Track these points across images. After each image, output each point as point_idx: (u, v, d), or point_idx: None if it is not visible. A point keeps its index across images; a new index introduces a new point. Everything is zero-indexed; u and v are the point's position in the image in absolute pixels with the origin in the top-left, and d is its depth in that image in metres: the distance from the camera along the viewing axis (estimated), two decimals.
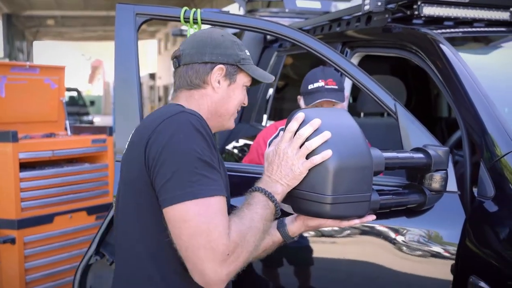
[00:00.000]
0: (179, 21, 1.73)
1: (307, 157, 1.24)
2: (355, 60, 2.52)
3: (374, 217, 1.35)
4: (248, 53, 1.46)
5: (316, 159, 1.23)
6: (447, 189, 1.57)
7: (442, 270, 1.57)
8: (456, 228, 1.58)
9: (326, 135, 1.24)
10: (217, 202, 1.15)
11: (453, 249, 1.57)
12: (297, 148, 1.26)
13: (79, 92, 15.57)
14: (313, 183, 1.25)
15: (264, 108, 3.51)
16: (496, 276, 1.43)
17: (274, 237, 1.42)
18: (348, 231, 1.65)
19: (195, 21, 1.73)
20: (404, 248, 1.60)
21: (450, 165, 1.60)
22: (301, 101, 2.25)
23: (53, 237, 3.09)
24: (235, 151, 3.50)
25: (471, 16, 2.26)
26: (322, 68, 2.21)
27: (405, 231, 1.61)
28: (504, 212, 1.55)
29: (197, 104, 1.39)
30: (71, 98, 15.26)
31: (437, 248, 1.59)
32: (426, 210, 1.59)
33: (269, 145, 2.22)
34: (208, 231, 1.11)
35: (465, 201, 1.63)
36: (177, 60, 1.42)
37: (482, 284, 1.44)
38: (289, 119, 1.31)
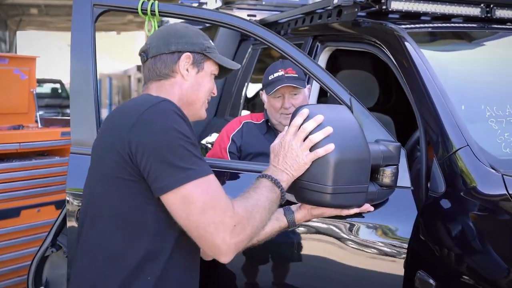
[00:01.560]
0: (137, 12, 1.77)
1: (311, 149, 1.39)
2: (325, 54, 2.57)
3: (372, 208, 1.53)
4: (212, 43, 1.53)
5: (320, 151, 1.38)
6: (400, 185, 1.62)
7: (394, 266, 1.62)
8: (408, 224, 1.63)
9: (328, 130, 1.39)
10: (214, 179, 1.26)
11: (405, 244, 1.62)
12: (301, 141, 1.41)
13: (62, 84, 15.51)
14: (315, 174, 1.40)
15: (239, 102, 3.55)
16: (442, 272, 1.48)
17: (282, 223, 1.53)
18: (301, 228, 1.70)
19: (153, 13, 1.77)
20: (357, 243, 1.65)
21: (403, 160, 1.65)
22: (263, 95, 2.30)
23: (19, 231, 3.12)
24: (209, 145, 3.54)
25: (440, 12, 2.31)
26: (281, 60, 2.27)
27: (357, 226, 1.66)
28: (453, 208, 1.60)
29: (168, 93, 1.45)
30: (54, 90, 15.19)
31: (389, 243, 1.65)
32: (379, 205, 1.64)
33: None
34: (214, 207, 1.21)
35: (419, 197, 1.69)
36: (144, 54, 1.49)
37: (428, 279, 1.50)
38: (294, 114, 1.45)
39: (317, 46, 2.57)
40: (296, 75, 2.16)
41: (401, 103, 4.00)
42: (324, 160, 1.39)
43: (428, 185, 1.69)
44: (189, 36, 1.48)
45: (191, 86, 1.47)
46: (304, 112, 1.42)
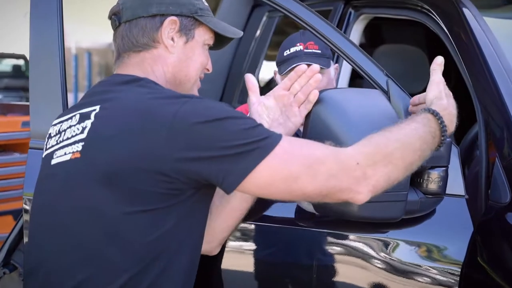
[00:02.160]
0: None
1: None
2: (360, 24, 2.60)
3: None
4: (206, 4, 1.53)
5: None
6: (450, 192, 1.63)
7: None
8: (461, 243, 1.64)
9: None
10: (288, 137, 1.37)
11: (457, 269, 1.64)
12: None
13: (26, 61, 15.69)
14: None
15: None
16: None
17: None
18: (320, 246, 1.72)
19: None
20: (393, 267, 1.67)
21: (455, 161, 1.66)
22: (277, 76, 2.32)
23: None
24: None
25: None
26: (302, 32, 2.28)
27: (394, 244, 1.68)
28: None
29: (152, 70, 1.46)
30: (16, 67, 15.35)
31: (436, 267, 1.66)
32: (423, 218, 1.66)
33: None
34: (320, 161, 1.31)
35: (477, 209, 1.70)
36: (116, 17, 1.47)
37: None
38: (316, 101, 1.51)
39: (350, 13, 2.60)
40: (319, 51, 2.17)
41: (462, 88, 4.01)
42: None
43: (489, 193, 1.70)
44: None
45: (178, 60, 1.47)
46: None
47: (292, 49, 2.21)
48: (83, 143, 1.37)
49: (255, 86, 1.61)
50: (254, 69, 3.61)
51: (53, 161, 1.43)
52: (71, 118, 1.44)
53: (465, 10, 1.99)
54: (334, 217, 1.58)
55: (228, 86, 3.85)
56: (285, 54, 2.22)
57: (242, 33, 1.60)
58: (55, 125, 1.50)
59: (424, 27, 2.25)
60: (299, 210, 1.72)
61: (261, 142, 1.30)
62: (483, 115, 1.79)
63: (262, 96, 1.63)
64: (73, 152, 1.38)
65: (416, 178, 1.57)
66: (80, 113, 1.42)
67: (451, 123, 1.51)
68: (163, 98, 1.35)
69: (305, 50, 2.18)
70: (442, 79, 1.57)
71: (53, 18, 1.79)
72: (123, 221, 1.32)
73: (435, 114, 1.45)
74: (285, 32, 3.73)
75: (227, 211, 1.62)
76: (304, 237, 1.76)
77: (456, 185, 1.67)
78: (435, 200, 1.61)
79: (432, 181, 1.57)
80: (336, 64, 2.32)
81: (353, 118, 1.45)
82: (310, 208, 1.54)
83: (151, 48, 1.45)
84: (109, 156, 1.33)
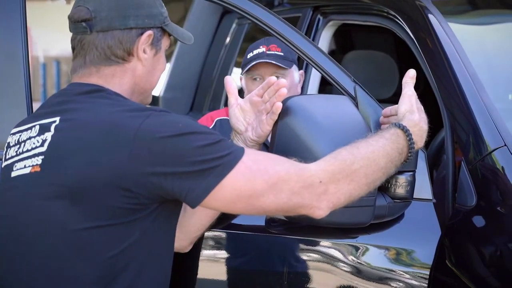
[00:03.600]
0: None
1: None
2: (328, 30, 2.61)
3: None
4: (164, 7, 1.53)
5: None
6: (418, 196, 1.66)
7: None
8: (429, 246, 1.67)
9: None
10: (253, 151, 1.39)
11: (425, 272, 1.66)
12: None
13: None
14: None
15: (221, 93, 3.59)
16: None
17: None
18: (292, 253, 1.73)
19: None
20: (362, 272, 1.69)
21: (423, 165, 1.69)
22: (242, 80, 2.33)
23: None
24: None
25: None
26: (267, 37, 2.31)
27: (363, 249, 1.70)
28: (487, 226, 1.64)
29: (119, 83, 1.44)
30: None
31: (405, 271, 1.68)
32: (392, 223, 1.68)
33: None
34: (283, 180, 1.31)
35: (444, 212, 1.73)
36: (87, 24, 1.43)
37: None
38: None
39: (319, 20, 2.62)
40: (281, 54, 2.20)
41: (431, 93, 4.06)
42: None
43: (456, 197, 1.73)
44: (148, 5, 1.46)
45: (146, 72, 1.47)
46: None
47: (255, 51, 2.24)
48: (43, 156, 1.36)
49: (234, 89, 1.63)
50: (224, 75, 3.61)
51: (13, 174, 1.41)
52: (30, 128, 1.42)
53: (430, 16, 2.02)
54: (304, 223, 1.58)
55: (198, 93, 3.86)
56: (248, 56, 2.25)
57: (193, 39, 1.61)
58: (13, 134, 1.47)
59: (393, 33, 2.28)
60: (270, 217, 1.73)
61: (224, 158, 1.30)
62: (449, 120, 1.82)
63: (241, 99, 1.65)
64: (32, 166, 1.36)
65: (384, 183, 1.59)
66: (40, 124, 1.40)
67: (421, 138, 1.52)
68: (126, 111, 1.34)
69: (267, 52, 2.21)
70: (414, 93, 1.58)
71: (16, 24, 1.76)
72: (87, 235, 1.31)
73: (404, 130, 1.46)
74: (255, 39, 3.74)
75: (201, 210, 1.62)
76: (274, 244, 1.77)
77: (424, 189, 1.69)
78: (403, 205, 1.63)
79: (400, 185, 1.59)
80: (302, 71, 2.34)
81: (321, 124, 1.46)
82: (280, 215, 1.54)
83: (124, 62, 1.44)
84: (71, 171, 1.31)
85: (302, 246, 1.74)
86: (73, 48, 1.47)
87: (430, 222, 1.69)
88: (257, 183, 1.31)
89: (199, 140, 1.31)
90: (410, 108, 1.54)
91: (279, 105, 1.53)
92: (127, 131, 1.29)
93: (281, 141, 1.50)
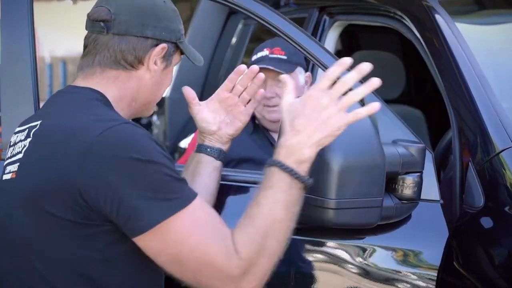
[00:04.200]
0: None
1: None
2: (335, 30, 2.62)
3: None
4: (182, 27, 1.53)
5: (362, 111, 1.29)
6: (425, 197, 1.65)
7: None
8: (436, 247, 1.66)
9: (375, 83, 1.29)
10: (202, 204, 1.30)
11: (433, 274, 1.65)
12: (337, 97, 1.28)
13: None
14: (314, 185, 1.37)
15: None
16: None
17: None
18: (298, 253, 1.73)
19: None
20: (369, 273, 1.69)
21: (430, 166, 1.68)
22: None
23: None
24: None
25: None
26: (274, 39, 2.30)
27: (370, 250, 1.70)
28: (495, 228, 1.64)
29: (121, 87, 1.44)
30: None
31: (412, 272, 1.68)
32: (399, 224, 1.67)
33: None
34: (210, 261, 1.25)
35: (451, 214, 1.72)
36: (105, 25, 1.42)
37: None
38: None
39: (325, 20, 2.62)
40: (284, 57, 2.20)
41: (438, 93, 4.06)
42: (325, 166, 1.42)
43: (463, 198, 1.73)
44: (168, 19, 1.46)
45: (153, 84, 1.47)
46: (346, 61, 1.31)
47: (259, 54, 2.24)
48: (19, 163, 1.36)
49: (193, 98, 1.66)
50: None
51: (3, 176, 1.41)
52: (24, 130, 1.42)
53: (437, 16, 2.02)
54: (310, 224, 1.58)
55: (205, 94, 3.85)
56: (252, 59, 2.26)
57: (202, 63, 1.59)
58: (14, 133, 1.46)
59: (398, 33, 2.27)
60: None
61: (173, 200, 1.25)
62: (457, 121, 1.82)
63: (203, 102, 1.67)
64: (12, 172, 1.37)
65: (390, 184, 1.59)
66: (29, 127, 1.40)
67: (308, 159, 1.30)
68: (92, 121, 1.31)
69: (270, 55, 2.21)
70: (321, 95, 1.29)
71: (24, 26, 1.77)
72: (48, 247, 1.30)
73: (293, 174, 1.28)
74: (261, 39, 3.75)
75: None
76: None
77: (431, 190, 1.69)
78: (410, 206, 1.62)
79: (407, 186, 1.58)
80: (309, 73, 2.33)
81: None
82: None
83: (132, 68, 1.43)
84: (31, 179, 1.31)
85: (309, 247, 1.74)
86: (85, 46, 1.47)
87: (438, 223, 1.69)
88: (184, 251, 1.25)
89: (150, 172, 1.25)
90: (295, 114, 1.29)
91: (261, 92, 1.54)
92: (84, 141, 1.27)
93: None
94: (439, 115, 3.52)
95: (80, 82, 1.45)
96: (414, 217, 1.68)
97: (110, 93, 1.43)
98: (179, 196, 1.26)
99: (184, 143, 3.72)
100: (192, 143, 2.37)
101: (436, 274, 1.65)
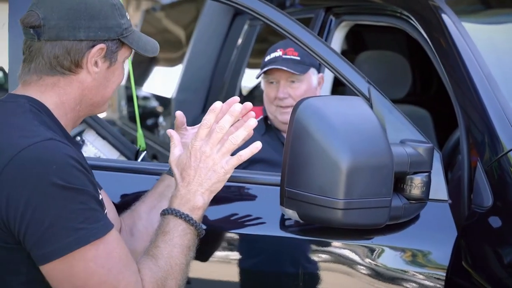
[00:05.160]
0: None
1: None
2: (341, 31, 2.62)
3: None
4: (128, 17, 1.46)
5: (245, 154, 1.36)
6: (433, 197, 1.65)
7: None
8: (445, 247, 1.66)
9: (251, 124, 1.36)
10: (116, 239, 1.26)
11: (441, 274, 1.65)
12: (216, 143, 1.36)
13: (5, 73, 15.54)
14: (322, 185, 1.43)
15: (233, 94, 3.60)
16: None
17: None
18: (307, 254, 1.73)
19: None
20: (378, 273, 1.69)
21: (438, 166, 1.68)
22: (262, 82, 2.33)
23: None
24: None
25: None
26: (287, 40, 2.30)
27: (379, 250, 1.70)
28: (504, 227, 1.63)
29: (60, 93, 1.38)
30: None
31: (421, 272, 1.68)
32: (407, 224, 1.67)
33: None
34: None
35: (460, 213, 1.72)
36: (34, 32, 1.35)
37: None
38: (294, 109, 1.47)
39: (331, 20, 2.63)
40: (297, 58, 2.20)
41: (445, 93, 4.05)
42: (333, 166, 1.43)
43: (472, 197, 1.72)
44: (104, 16, 1.37)
45: (97, 85, 1.40)
46: (216, 107, 1.37)
47: (272, 55, 2.24)
48: None
49: (182, 124, 1.65)
50: (236, 77, 3.63)
51: None
52: None
53: (443, 16, 2.01)
54: (319, 225, 1.58)
55: (211, 95, 3.86)
56: (265, 59, 2.25)
57: (158, 50, 1.52)
58: None
59: (404, 33, 2.27)
60: (285, 218, 1.73)
61: (81, 230, 1.20)
62: (464, 120, 1.81)
63: (190, 128, 1.66)
64: None
65: (399, 184, 1.59)
66: None
67: (202, 206, 1.38)
68: (16, 137, 1.26)
69: (283, 56, 2.21)
70: (200, 134, 1.37)
71: None
72: None
73: (187, 220, 1.36)
74: (267, 40, 3.75)
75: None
76: (289, 245, 1.77)
77: (439, 190, 1.68)
78: (418, 206, 1.62)
79: (415, 186, 1.58)
80: (321, 74, 2.33)
81: (336, 125, 1.46)
82: (295, 216, 1.54)
83: (70, 73, 1.37)
84: None
85: (317, 247, 1.74)
86: (23, 52, 1.41)
87: (446, 223, 1.68)
88: (94, 277, 1.22)
89: (67, 197, 1.20)
90: (183, 166, 1.38)
91: (254, 121, 1.41)
92: (3, 157, 1.22)
93: (296, 142, 1.50)
94: (444, 115, 3.54)
95: (20, 90, 1.40)
96: (422, 217, 1.68)
97: (49, 101, 1.37)
98: (92, 227, 1.21)
99: None
100: None
101: (444, 274, 1.64)
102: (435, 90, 3.97)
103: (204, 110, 3.91)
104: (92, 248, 1.21)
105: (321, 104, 1.48)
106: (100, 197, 1.30)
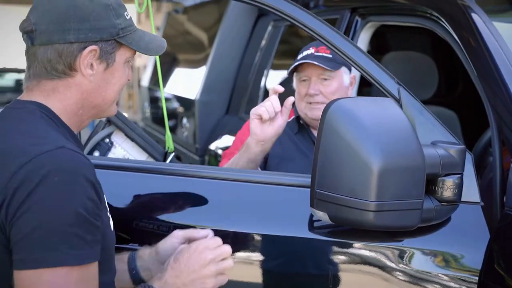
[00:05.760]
0: None
1: None
2: (367, 31, 2.60)
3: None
4: (128, 16, 1.43)
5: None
6: (465, 199, 1.63)
7: None
8: (477, 250, 1.64)
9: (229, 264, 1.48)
10: (93, 275, 1.25)
11: (474, 277, 1.63)
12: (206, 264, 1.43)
13: None
14: (353, 187, 1.43)
15: (257, 96, 3.59)
16: None
17: None
18: (337, 256, 1.72)
19: None
20: (409, 276, 1.67)
21: (470, 168, 1.66)
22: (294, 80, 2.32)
23: None
24: (220, 151, 3.59)
25: None
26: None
27: (410, 253, 1.68)
28: None
29: (61, 98, 1.37)
30: (18, 82, 15.42)
31: (453, 276, 1.66)
32: (439, 226, 1.65)
33: None
34: None
35: (492, 215, 1.69)
36: (28, 37, 1.36)
37: None
38: (326, 108, 1.49)
39: (357, 21, 2.61)
40: (330, 56, 2.18)
41: (471, 94, 4.01)
42: (365, 168, 1.42)
43: (504, 199, 1.70)
44: (95, 18, 1.36)
45: (96, 87, 1.39)
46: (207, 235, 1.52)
47: (304, 52, 2.23)
48: None
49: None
50: (260, 78, 3.63)
51: None
52: None
53: (474, 15, 1.99)
54: (350, 227, 1.57)
55: (234, 96, 3.86)
56: (298, 57, 2.24)
57: (164, 47, 1.49)
58: None
59: (430, 34, 2.25)
60: (313, 220, 1.72)
61: (62, 252, 1.20)
62: (496, 121, 1.79)
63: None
64: None
65: (430, 186, 1.57)
66: None
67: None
68: (28, 145, 1.26)
69: (316, 53, 2.20)
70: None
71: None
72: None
73: None
74: (290, 42, 3.74)
75: None
76: (319, 247, 1.75)
77: (471, 192, 1.66)
78: (450, 208, 1.60)
79: (447, 188, 1.56)
80: (354, 74, 2.31)
81: (368, 126, 1.44)
82: (325, 218, 1.53)
83: (66, 76, 1.36)
84: None
85: (346, 249, 1.72)
86: (26, 60, 1.41)
87: (478, 225, 1.66)
88: None
89: (66, 214, 1.21)
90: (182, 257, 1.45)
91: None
92: (15, 164, 1.23)
93: (326, 144, 1.49)
94: (470, 116, 3.50)
95: (25, 96, 1.40)
96: (453, 219, 1.65)
97: (53, 106, 1.38)
98: (65, 252, 1.20)
99: (213, 146, 3.73)
100: (231, 150, 2.34)
101: (477, 278, 1.62)
102: (460, 91, 3.93)
103: (228, 111, 3.92)
104: (58, 272, 1.20)
105: (352, 106, 1.48)
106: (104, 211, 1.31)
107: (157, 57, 2.13)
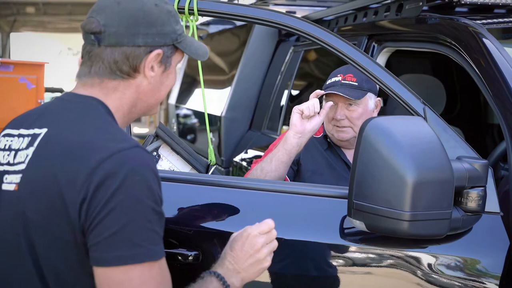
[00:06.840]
0: None
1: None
2: (383, 56, 2.57)
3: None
4: (182, 23, 1.43)
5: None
6: (487, 210, 1.60)
7: None
8: (498, 257, 1.60)
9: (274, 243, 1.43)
10: (165, 266, 1.22)
11: (495, 282, 1.59)
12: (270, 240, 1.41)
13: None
14: (389, 198, 1.43)
15: (278, 113, 3.57)
16: None
17: None
18: (356, 261, 1.69)
19: (191, 12, 1.80)
20: (432, 281, 1.63)
21: (490, 181, 1.63)
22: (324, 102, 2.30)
23: None
24: (244, 163, 3.57)
25: None
26: (348, 65, 2.26)
27: (433, 259, 1.64)
28: None
29: (120, 97, 1.33)
30: None
31: (474, 281, 1.62)
32: (462, 235, 1.62)
33: None
34: None
35: (510, 225, 1.66)
36: (95, 38, 1.30)
37: None
38: (361, 130, 1.48)
39: (373, 47, 2.58)
40: (355, 83, 2.16)
41: (467, 111, 3.98)
42: (400, 181, 1.41)
43: None
44: (161, 23, 1.33)
45: (152, 88, 1.36)
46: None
47: (332, 79, 2.21)
48: (21, 175, 1.25)
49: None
50: (280, 97, 3.62)
51: (3, 186, 1.28)
52: (22, 137, 1.30)
53: (486, 41, 1.97)
54: (382, 233, 1.54)
55: (256, 114, 3.85)
56: (327, 82, 2.22)
57: (207, 55, 1.46)
58: (9, 136, 1.33)
59: (435, 59, 2.21)
60: (346, 228, 1.69)
61: (143, 247, 1.17)
62: (510, 135, 1.76)
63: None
64: (16, 183, 1.25)
65: (457, 197, 1.54)
66: (31, 135, 1.28)
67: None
68: (104, 141, 1.21)
69: (342, 81, 2.17)
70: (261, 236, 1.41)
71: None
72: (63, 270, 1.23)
73: (220, 278, 1.35)
74: (309, 65, 3.73)
75: None
76: (349, 253, 1.72)
77: (492, 203, 1.63)
78: (475, 218, 1.57)
79: (472, 200, 1.54)
80: (379, 98, 2.27)
81: (403, 143, 1.43)
82: (362, 226, 1.51)
83: (129, 77, 1.32)
84: (37, 197, 1.21)
85: (374, 256, 1.69)
86: (82, 56, 1.35)
87: (499, 234, 1.62)
88: None
89: (143, 210, 1.17)
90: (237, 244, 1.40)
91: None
92: (94, 159, 1.18)
93: (364, 159, 1.47)
94: (469, 131, 3.48)
95: (81, 90, 1.34)
96: (475, 228, 1.62)
97: (111, 103, 1.33)
98: (149, 248, 1.18)
99: (238, 158, 3.71)
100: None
101: (498, 283, 1.59)
102: (459, 108, 3.90)
103: (251, 127, 3.90)
104: (145, 267, 1.17)
105: (388, 124, 1.46)
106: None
107: (201, 77, 2.11)
